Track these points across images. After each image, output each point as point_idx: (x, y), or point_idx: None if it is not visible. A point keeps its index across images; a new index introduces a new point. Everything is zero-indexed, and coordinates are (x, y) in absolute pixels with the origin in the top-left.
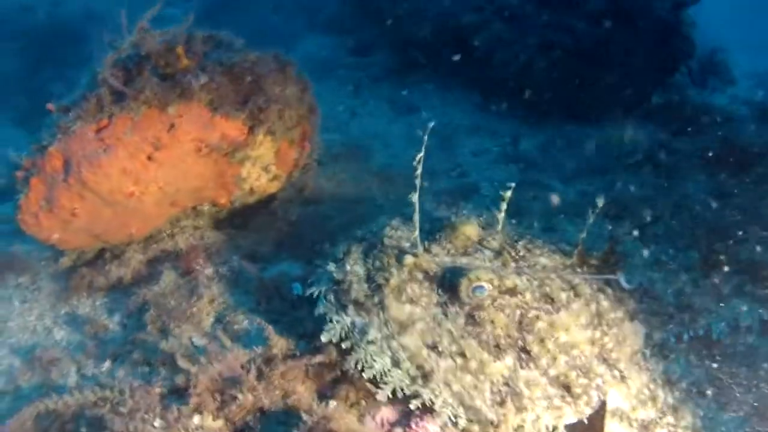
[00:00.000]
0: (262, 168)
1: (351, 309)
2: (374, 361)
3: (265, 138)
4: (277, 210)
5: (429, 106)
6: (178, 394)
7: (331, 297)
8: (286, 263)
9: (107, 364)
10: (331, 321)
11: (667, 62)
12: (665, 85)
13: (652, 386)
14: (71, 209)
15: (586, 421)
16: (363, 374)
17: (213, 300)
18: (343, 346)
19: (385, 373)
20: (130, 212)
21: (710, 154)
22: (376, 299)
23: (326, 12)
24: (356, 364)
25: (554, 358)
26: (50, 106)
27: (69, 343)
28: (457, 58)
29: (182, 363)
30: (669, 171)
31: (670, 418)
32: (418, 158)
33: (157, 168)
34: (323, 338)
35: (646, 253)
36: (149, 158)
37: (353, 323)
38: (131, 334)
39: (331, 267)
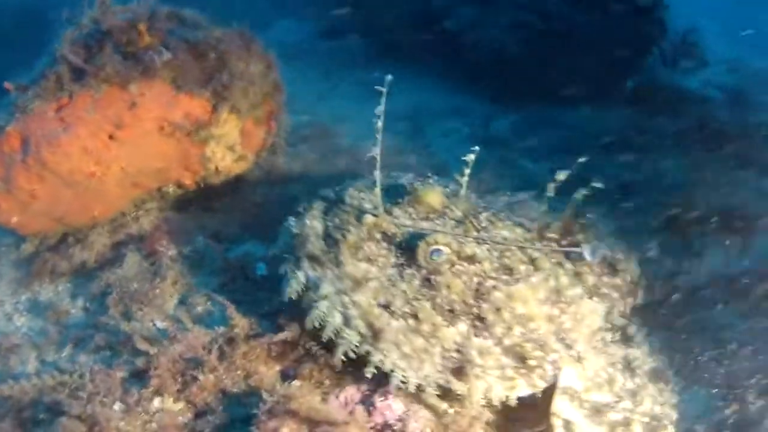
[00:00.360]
0: (228, 147)
1: (306, 263)
2: (327, 318)
3: (230, 116)
4: (244, 191)
5: (401, 89)
6: (139, 377)
7: (289, 253)
8: (251, 243)
9: (68, 349)
10: (289, 278)
11: (639, 43)
12: (638, 67)
13: (610, 370)
14: (30, 191)
15: (539, 395)
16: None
17: (176, 282)
18: (303, 306)
19: (337, 332)
20: (92, 194)
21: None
22: (332, 254)
23: None
24: (313, 324)
25: (509, 328)
26: (8, 84)
27: (30, 330)
28: (428, 38)
29: (142, 345)
30: (642, 150)
31: (627, 403)
32: (378, 110)
33: (119, 147)
34: (284, 297)
35: (611, 226)
36: (111, 137)
37: (308, 277)
38: (94, 318)
39: (291, 221)
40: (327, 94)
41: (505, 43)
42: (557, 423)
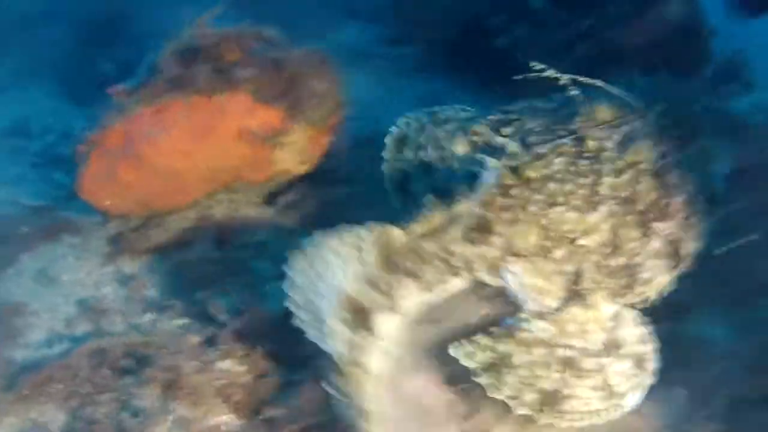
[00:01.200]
0: (296, 152)
1: None
2: None
3: (300, 126)
4: (307, 189)
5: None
6: (211, 342)
7: None
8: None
9: (150, 315)
10: None
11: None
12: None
13: None
14: (127, 181)
15: None
16: None
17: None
18: None
19: None
20: (176, 185)
21: None
22: None
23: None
24: None
25: None
26: (113, 90)
27: (116, 297)
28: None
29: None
30: None
31: None
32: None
33: (204, 148)
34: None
35: None
36: (198, 139)
37: None
38: (170, 291)
39: None
40: (386, 100)
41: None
42: None
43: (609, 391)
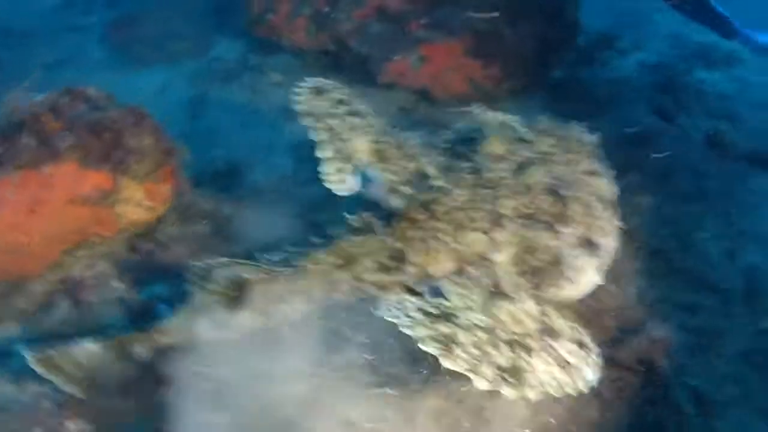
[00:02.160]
0: (136, 205)
1: None
2: None
3: (130, 182)
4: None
5: None
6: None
7: None
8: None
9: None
10: None
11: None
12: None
13: None
14: None
15: None
16: None
17: None
18: None
19: None
20: (25, 256)
21: None
22: None
23: (238, 15)
24: None
25: None
26: None
27: None
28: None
29: None
30: None
31: None
32: None
33: (40, 219)
34: None
35: None
36: (32, 212)
37: None
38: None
39: None
40: (250, 122)
41: None
42: None
43: (565, 366)
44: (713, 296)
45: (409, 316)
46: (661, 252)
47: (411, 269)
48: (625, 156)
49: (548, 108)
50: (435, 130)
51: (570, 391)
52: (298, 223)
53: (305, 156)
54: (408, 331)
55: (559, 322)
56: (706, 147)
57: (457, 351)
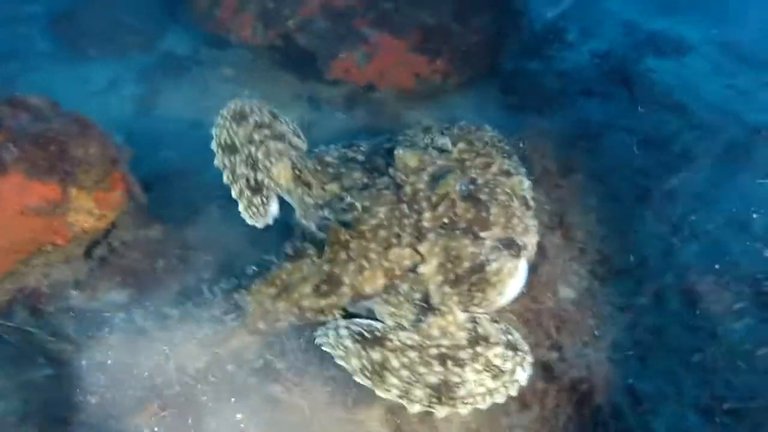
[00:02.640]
0: (87, 213)
1: None
2: None
3: (79, 192)
4: (114, 238)
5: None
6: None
7: None
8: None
9: None
10: None
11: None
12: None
13: None
14: None
15: None
16: None
17: None
18: None
19: None
20: None
21: None
22: None
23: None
24: None
25: None
26: None
27: None
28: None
29: None
30: None
31: None
32: None
33: None
34: None
35: None
36: None
37: None
38: None
39: None
40: (201, 120)
41: None
42: None
43: (497, 371)
44: (650, 295)
45: (343, 346)
46: (599, 252)
47: (345, 290)
48: (568, 155)
49: (497, 101)
50: (354, 140)
51: (500, 399)
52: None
53: None
54: (342, 363)
55: (490, 328)
56: (648, 144)
57: (390, 379)
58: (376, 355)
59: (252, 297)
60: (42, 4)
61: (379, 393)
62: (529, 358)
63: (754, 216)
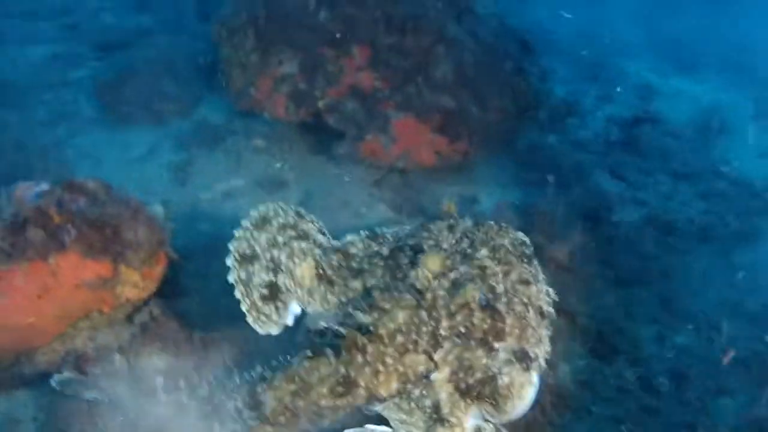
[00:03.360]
0: (132, 285)
1: None
2: None
3: (128, 269)
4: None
5: (295, 182)
6: None
7: None
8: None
9: None
10: None
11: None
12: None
13: None
14: None
15: None
16: None
17: None
18: None
19: None
20: (33, 332)
21: None
22: None
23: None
24: None
25: None
26: None
27: None
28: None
29: None
30: None
31: None
32: None
33: (47, 303)
34: None
35: None
36: (39, 297)
37: None
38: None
39: None
40: (232, 193)
41: None
42: None
43: None
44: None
45: None
46: (599, 334)
47: (361, 392)
48: (576, 233)
49: (515, 176)
50: (380, 228)
51: None
52: None
53: None
54: None
55: None
56: (650, 225)
57: None
58: None
59: (272, 393)
60: (86, 69)
61: None
62: None
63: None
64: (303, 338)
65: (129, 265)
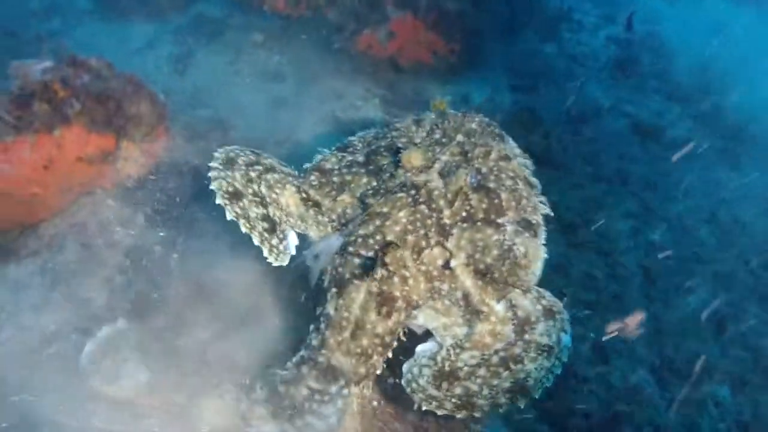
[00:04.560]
0: (133, 161)
1: None
2: None
3: (129, 143)
4: (151, 184)
5: (293, 74)
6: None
7: None
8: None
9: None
10: None
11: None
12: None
13: None
14: None
15: None
16: None
17: None
18: None
19: None
20: (38, 204)
21: None
22: None
23: None
24: None
25: None
26: None
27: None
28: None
29: None
30: None
31: None
32: None
33: (52, 174)
34: None
35: None
36: (45, 168)
37: None
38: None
39: None
40: (230, 80)
41: None
42: None
43: (548, 349)
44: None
45: (431, 396)
46: (572, 226)
47: (400, 303)
48: (560, 135)
49: (505, 80)
50: (348, 141)
51: (559, 371)
52: None
53: (280, 116)
54: (439, 411)
55: (525, 304)
56: (636, 133)
57: (477, 402)
58: (457, 390)
59: (335, 352)
60: None
61: (476, 414)
62: (566, 317)
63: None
64: (314, 271)
65: (131, 138)
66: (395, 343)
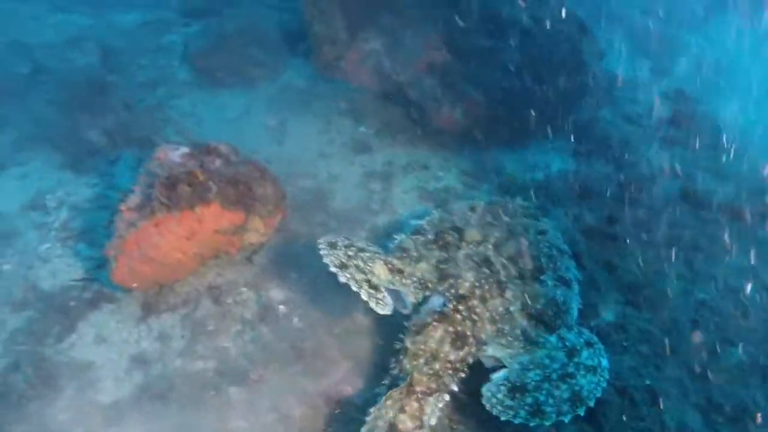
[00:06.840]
0: (256, 232)
1: None
2: None
3: (255, 218)
4: (268, 251)
5: (379, 145)
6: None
7: None
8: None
9: (179, 360)
10: None
11: (574, 96)
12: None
13: None
14: (144, 272)
15: None
16: None
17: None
18: None
19: None
20: (178, 267)
21: None
22: None
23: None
24: None
25: None
26: (123, 207)
27: (154, 349)
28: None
29: None
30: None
31: None
32: None
33: (193, 244)
34: None
35: None
36: (187, 239)
37: None
38: (191, 341)
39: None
40: (325, 151)
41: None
42: None
43: (593, 369)
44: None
45: (508, 406)
46: (633, 286)
47: (470, 340)
48: (614, 205)
49: (571, 149)
50: (419, 226)
51: (604, 384)
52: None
53: (374, 188)
54: (517, 420)
55: (573, 340)
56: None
57: (545, 409)
58: (528, 399)
59: (409, 366)
60: (178, 35)
61: (545, 422)
62: (601, 346)
63: None
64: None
65: (257, 214)
66: (466, 369)
